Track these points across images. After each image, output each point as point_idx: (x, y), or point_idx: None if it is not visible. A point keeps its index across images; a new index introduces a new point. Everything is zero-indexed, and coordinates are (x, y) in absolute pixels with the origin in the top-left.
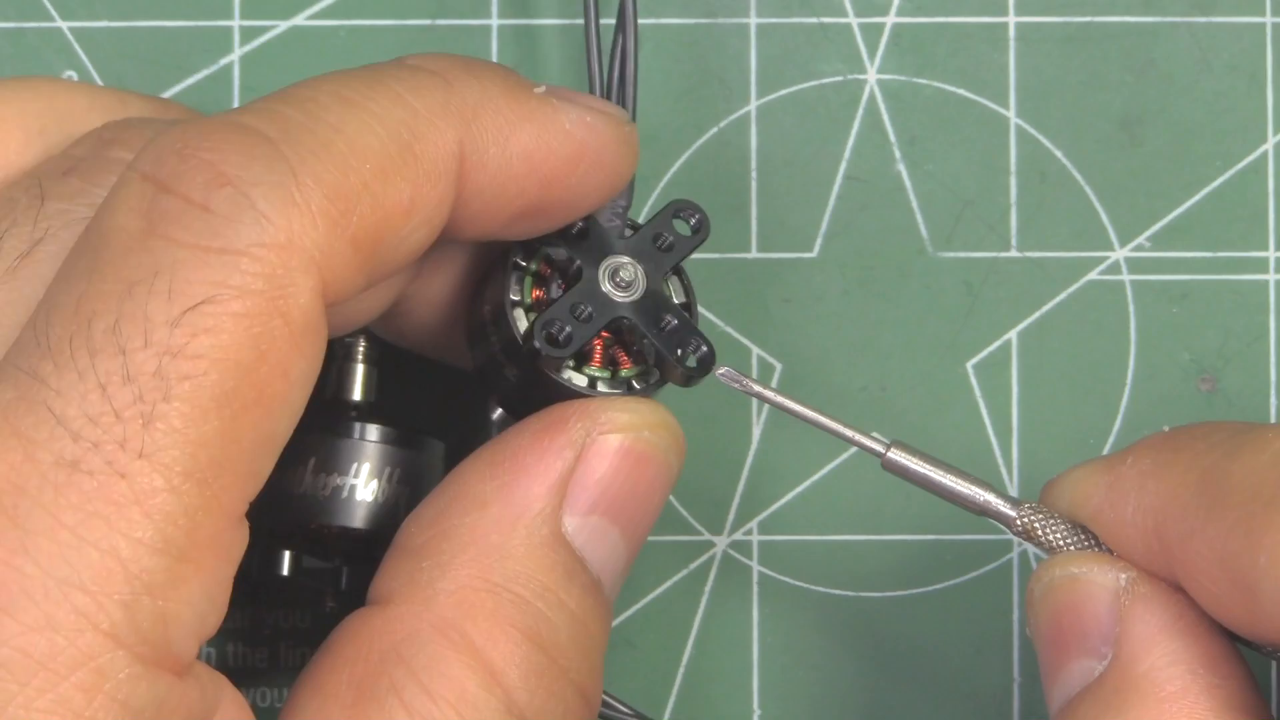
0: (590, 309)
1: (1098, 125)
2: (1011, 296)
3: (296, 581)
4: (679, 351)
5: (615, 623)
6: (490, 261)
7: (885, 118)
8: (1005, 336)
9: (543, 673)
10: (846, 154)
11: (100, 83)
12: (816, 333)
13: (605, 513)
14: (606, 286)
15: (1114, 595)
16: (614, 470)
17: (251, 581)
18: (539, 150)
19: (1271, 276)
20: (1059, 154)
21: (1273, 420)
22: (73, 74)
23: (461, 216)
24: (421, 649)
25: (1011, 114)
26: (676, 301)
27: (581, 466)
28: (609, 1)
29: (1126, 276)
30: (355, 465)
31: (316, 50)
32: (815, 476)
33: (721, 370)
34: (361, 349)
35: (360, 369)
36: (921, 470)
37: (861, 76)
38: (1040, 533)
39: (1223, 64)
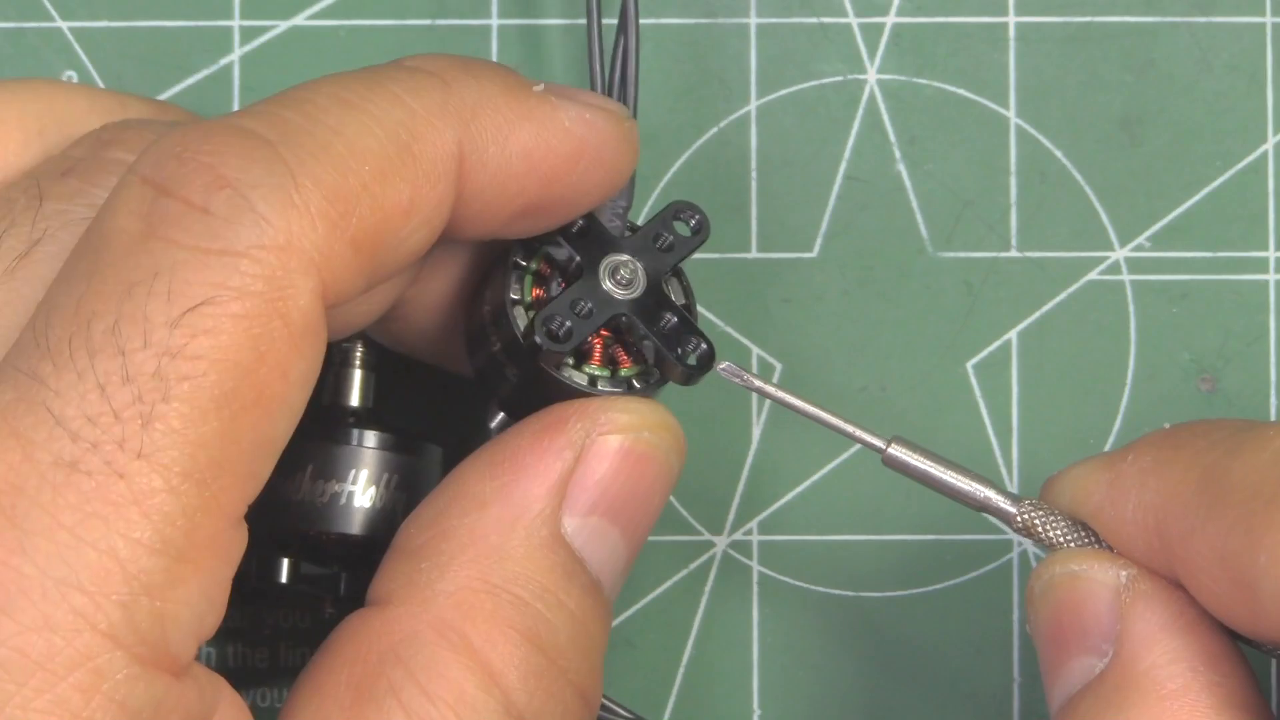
0: (590, 305)
1: (1098, 125)
2: (1011, 296)
3: (295, 588)
4: (678, 350)
5: (615, 623)
6: (489, 265)
7: (885, 118)
8: (1005, 336)
9: (542, 674)
10: (846, 154)
11: (100, 83)
12: (816, 333)
13: (605, 514)
14: (607, 284)
15: (1114, 593)
16: (614, 471)
17: (250, 587)
18: (538, 148)
19: (1271, 276)
20: (1059, 154)
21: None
22: (73, 74)
23: (462, 216)
24: (420, 650)
25: (1011, 114)
26: (677, 303)
27: (581, 467)
28: (610, 1)
29: (1126, 276)
30: (353, 472)
31: (316, 50)
32: (815, 476)
33: (722, 365)
34: (359, 354)
35: (358, 374)
36: (922, 466)
37: (861, 76)
38: (1040, 529)
39: (1223, 64)
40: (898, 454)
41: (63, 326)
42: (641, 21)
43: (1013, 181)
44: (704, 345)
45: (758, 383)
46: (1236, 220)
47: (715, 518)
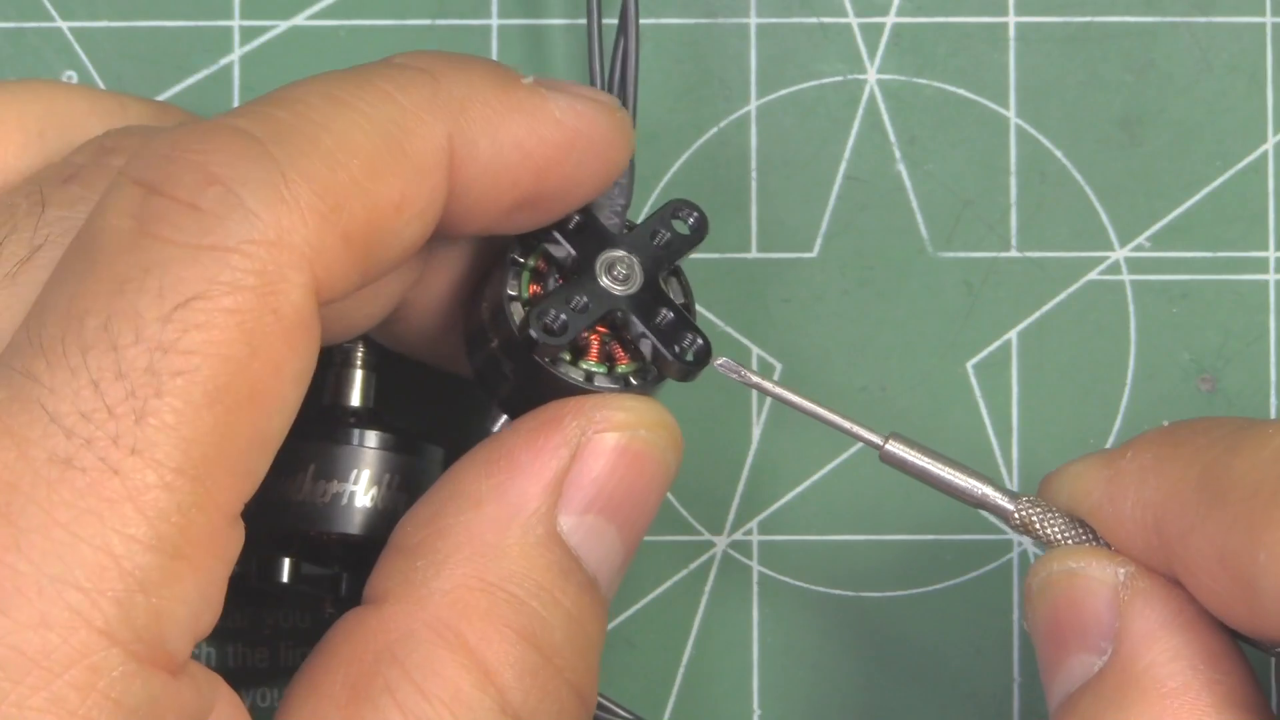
0: (586, 299)
1: (1098, 125)
2: (1011, 296)
3: (296, 588)
4: (675, 346)
5: (615, 623)
6: (489, 266)
7: (885, 118)
8: (1005, 336)
9: (537, 672)
10: (846, 154)
11: (100, 83)
12: (816, 333)
13: (601, 511)
14: (603, 280)
15: (1113, 590)
16: (610, 469)
17: (251, 588)
18: (530, 139)
19: (1271, 276)
20: (1059, 154)
21: None
22: (73, 74)
23: (457, 210)
24: (416, 649)
25: (1011, 114)
26: (675, 301)
27: (577, 465)
28: (611, 2)
29: (1126, 276)
30: (354, 472)
31: (316, 50)
32: (815, 476)
33: (719, 361)
34: (360, 354)
35: (359, 375)
36: (919, 463)
37: (861, 76)
38: (1038, 526)
39: (1223, 64)
40: (895, 450)
41: (56, 325)
42: (641, 21)
43: (1013, 181)
44: (700, 341)
45: (755, 378)
46: (1236, 220)
47: (715, 518)
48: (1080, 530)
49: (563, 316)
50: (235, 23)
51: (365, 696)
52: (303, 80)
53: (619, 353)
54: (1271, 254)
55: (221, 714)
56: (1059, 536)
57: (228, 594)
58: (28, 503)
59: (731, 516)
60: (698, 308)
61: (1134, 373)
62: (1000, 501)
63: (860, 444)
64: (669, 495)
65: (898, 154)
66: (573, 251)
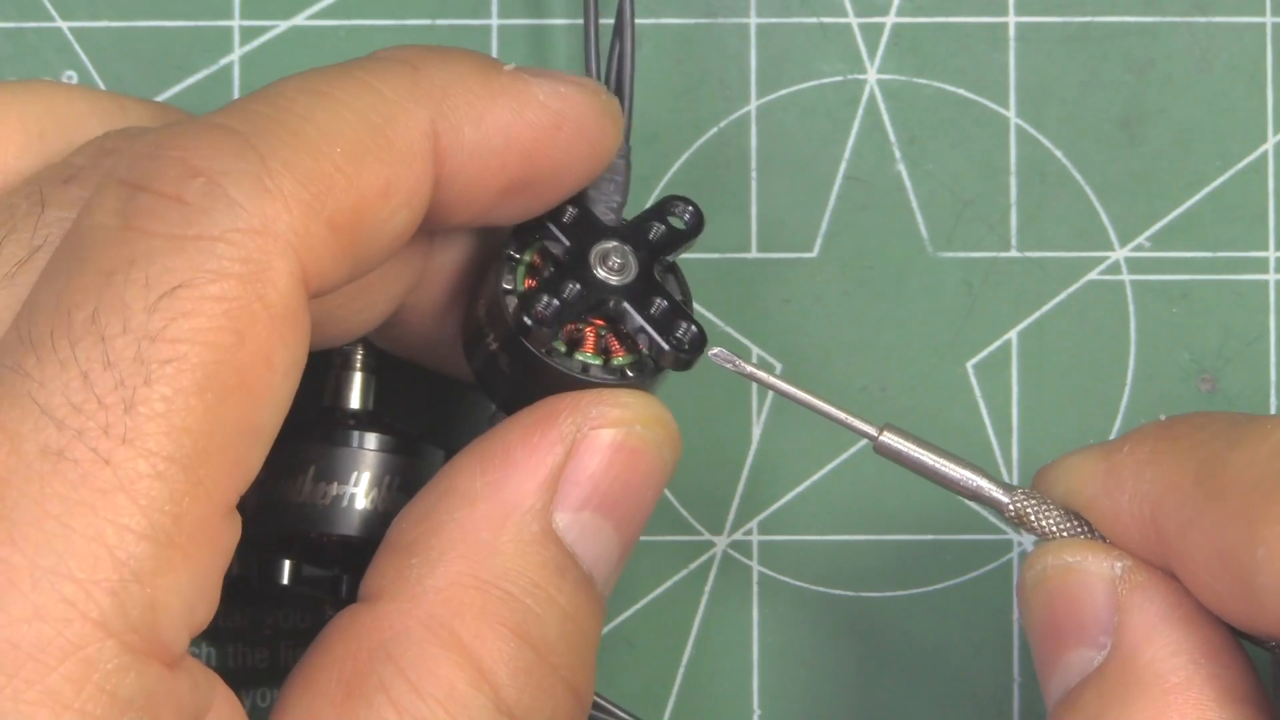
0: (579, 287)
1: (1098, 125)
2: (1011, 296)
3: (296, 590)
4: (670, 334)
5: (615, 623)
6: (485, 268)
7: (885, 118)
8: (1005, 336)
9: (532, 670)
10: (846, 154)
11: (100, 82)
12: (816, 333)
13: (597, 508)
14: (598, 271)
15: (1110, 584)
16: (605, 465)
17: (252, 590)
18: (515, 123)
19: (1271, 276)
20: (1059, 154)
21: None
22: (73, 74)
23: (447, 198)
24: (410, 647)
25: (1011, 114)
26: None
27: (572, 462)
28: (609, 2)
29: (1126, 276)
30: (355, 474)
31: (316, 50)
32: (815, 476)
33: (714, 351)
34: (360, 357)
35: (359, 377)
36: (914, 454)
37: (861, 76)
38: (1033, 519)
39: (1223, 64)
40: (890, 442)
41: (45, 321)
42: (641, 21)
43: (1013, 181)
44: (695, 329)
45: (749, 369)
46: (1236, 220)
47: (715, 518)
48: (1076, 523)
49: (555, 302)
50: (235, 23)
51: (360, 694)
52: (284, 78)
53: (615, 345)
54: (1271, 254)
55: (219, 713)
56: (1054, 529)
57: (228, 595)
58: (20, 496)
59: (731, 516)
60: (697, 307)
61: (1134, 373)
62: (995, 493)
63: (860, 444)
64: (669, 495)
65: (898, 154)
66: (567, 243)
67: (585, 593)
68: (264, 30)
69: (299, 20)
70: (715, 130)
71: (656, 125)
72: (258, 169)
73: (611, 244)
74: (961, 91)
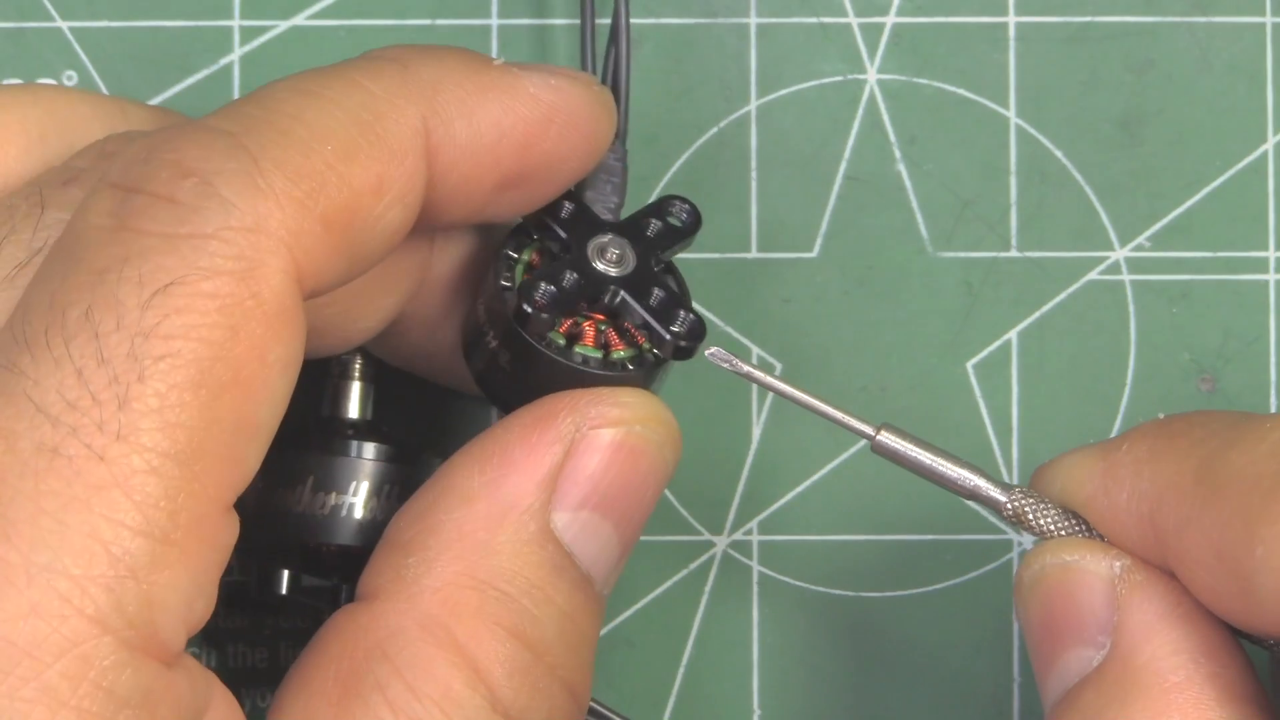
0: (577, 276)
1: (1098, 125)
2: (1011, 296)
3: (295, 600)
4: (669, 323)
5: (615, 623)
6: (484, 270)
7: (885, 118)
8: (1005, 336)
9: (528, 670)
10: (846, 154)
11: (100, 82)
12: (816, 333)
13: (596, 508)
14: (596, 264)
15: (1109, 583)
16: (605, 465)
17: (251, 598)
18: (507, 117)
19: (1271, 276)
20: (1059, 154)
21: None
22: (73, 74)
23: (442, 195)
24: (406, 646)
25: (1011, 114)
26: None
27: (571, 462)
28: (608, 2)
29: (1126, 276)
30: (353, 484)
31: (316, 50)
32: (815, 476)
33: (710, 350)
34: (358, 366)
35: (357, 386)
36: (911, 454)
37: (861, 76)
38: (1030, 517)
39: (1223, 64)
40: (887, 441)
41: (39, 319)
42: (641, 21)
43: (1013, 181)
44: (693, 317)
45: (746, 368)
46: (1236, 220)
47: (715, 518)
48: (1073, 522)
49: (552, 288)
50: (235, 23)
51: (356, 693)
52: (275, 80)
53: (614, 339)
54: (1271, 254)
55: (217, 713)
56: (1052, 528)
57: (227, 602)
58: (15, 493)
59: (731, 516)
60: (696, 308)
61: (1134, 373)
62: (992, 493)
63: (860, 444)
64: (669, 495)
65: (898, 154)
66: (564, 235)
67: (583, 592)
68: (264, 30)
69: (299, 20)
70: (715, 130)
71: (656, 125)
72: (249, 168)
73: (609, 237)
74: (961, 91)
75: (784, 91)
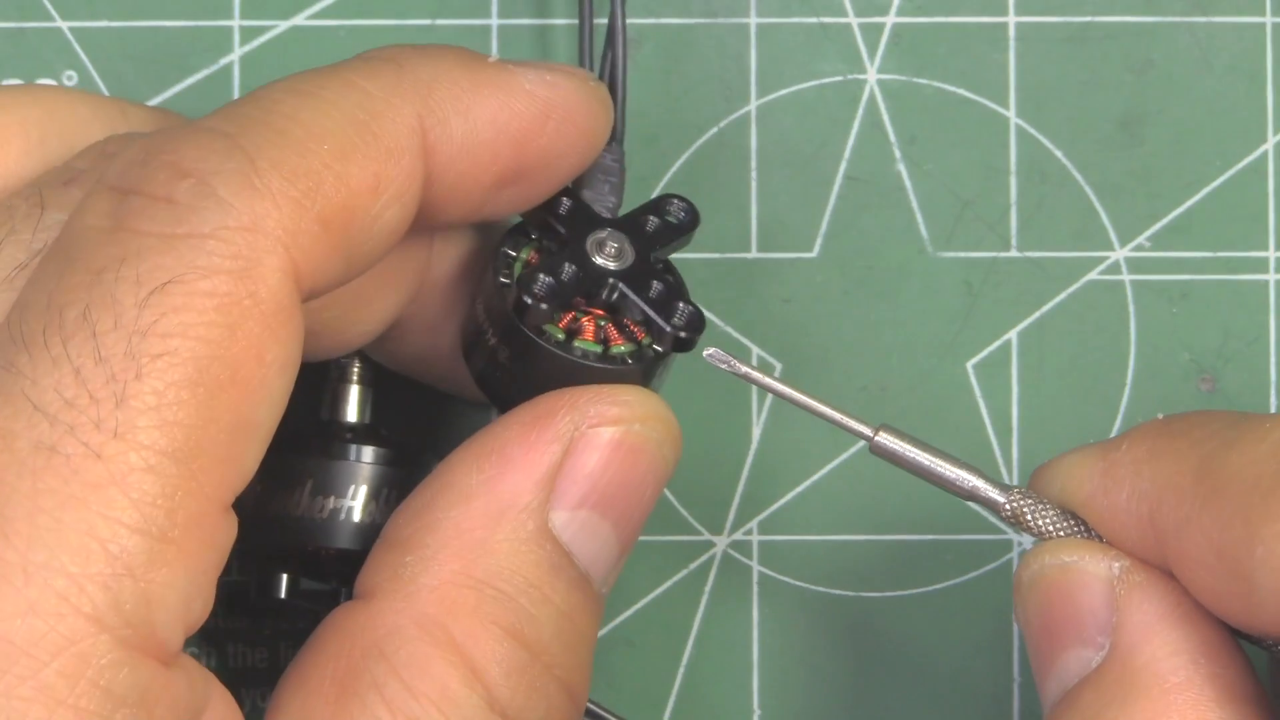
0: (575, 268)
1: (1098, 125)
2: (1011, 296)
3: (294, 604)
4: (668, 316)
5: (615, 623)
6: (483, 271)
7: (885, 118)
8: (1005, 336)
9: (525, 669)
10: (846, 154)
11: (100, 82)
12: (816, 333)
13: (595, 506)
14: (595, 258)
15: (1108, 584)
16: (604, 464)
17: (250, 602)
18: (503, 113)
19: (1271, 276)
20: (1059, 154)
21: None
22: (73, 74)
23: (441, 193)
24: (403, 645)
25: (1011, 114)
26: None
27: (570, 460)
28: (606, 4)
29: (1126, 276)
30: (352, 487)
31: (316, 50)
32: (815, 476)
33: (708, 351)
34: (356, 370)
35: (355, 390)
36: (910, 454)
37: (861, 76)
38: (1029, 518)
39: (1223, 64)
40: (885, 442)
41: (36, 319)
42: (642, 21)
43: (1013, 181)
44: (692, 308)
45: (744, 368)
46: (1236, 220)
47: (715, 518)
48: (1072, 522)
49: (550, 280)
50: (235, 23)
51: (353, 693)
52: (271, 82)
53: (614, 335)
54: (1271, 254)
55: (215, 713)
56: (1051, 528)
57: (227, 606)
58: (12, 492)
59: (731, 516)
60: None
61: (1134, 373)
62: (991, 493)
63: (860, 444)
64: (669, 495)
65: (898, 154)
66: (562, 230)
67: (581, 591)
68: (264, 30)
69: (299, 20)
70: (715, 130)
71: (656, 125)
72: (246, 168)
73: (607, 232)
74: (961, 91)
75: (784, 91)
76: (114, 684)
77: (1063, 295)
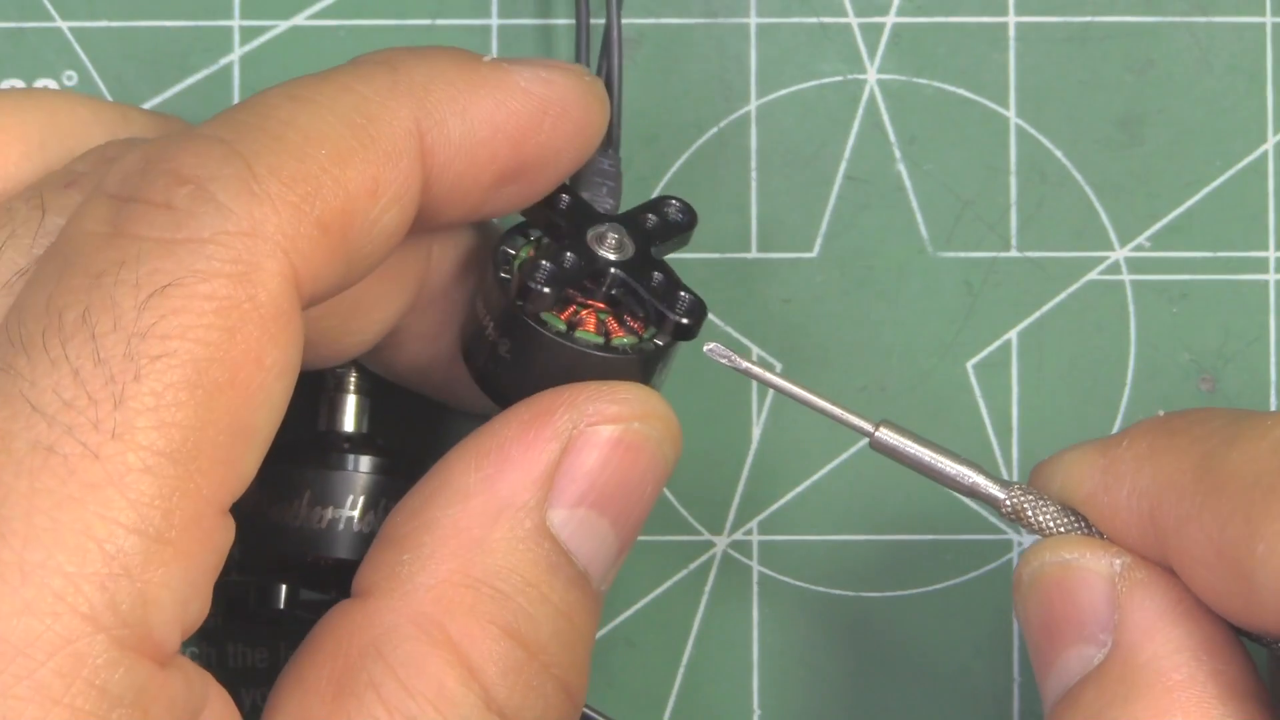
0: (577, 258)
1: (1098, 125)
2: (1011, 296)
3: (292, 614)
4: (670, 304)
5: (615, 623)
6: (482, 271)
7: (885, 118)
8: (1005, 336)
9: (522, 668)
10: (846, 154)
11: (100, 82)
12: (816, 332)
13: (594, 505)
14: (596, 249)
15: (1109, 581)
16: (603, 462)
17: (249, 613)
18: (499, 112)
19: (1271, 276)
20: (1059, 154)
21: None
22: (73, 74)
23: (440, 194)
24: (400, 645)
25: (1011, 114)
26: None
27: (569, 458)
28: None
29: (1126, 276)
30: (350, 497)
31: (316, 50)
32: (815, 476)
33: (709, 345)
34: (353, 380)
35: (352, 400)
36: (910, 450)
37: (861, 76)
38: (1029, 515)
39: (1223, 64)
40: (885, 438)
41: (35, 322)
42: (642, 21)
43: (1013, 181)
44: (693, 297)
45: (744, 364)
46: (1236, 220)
47: (715, 518)
48: (1073, 519)
49: (551, 266)
50: (235, 23)
51: (350, 691)
52: (267, 88)
53: (614, 327)
54: (1271, 254)
55: (213, 714)
56: (1051, 525)
57: (225, 617)
58: (9, 492)
59: (731, 516)
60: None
61: (1134, 373)
62: (991, 489)
63: (860, 444)
64: (669, 495)
65: (898, 154)
66: (562, 224)
67: (579, 590)
68: (264, 30)
69: (299, 20)
70: (715, 130)
71: (656, 125)
72: (244, 174)
73: (607, 225)
74: (961, 91)
75: (784, 91)
76: (110, 684)
77: (1063, 295)
